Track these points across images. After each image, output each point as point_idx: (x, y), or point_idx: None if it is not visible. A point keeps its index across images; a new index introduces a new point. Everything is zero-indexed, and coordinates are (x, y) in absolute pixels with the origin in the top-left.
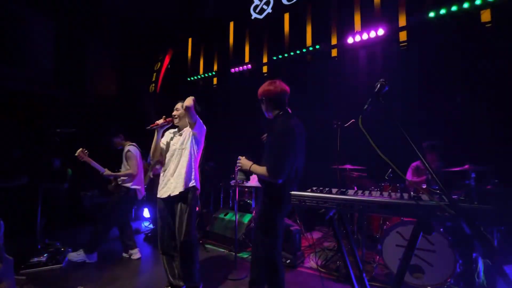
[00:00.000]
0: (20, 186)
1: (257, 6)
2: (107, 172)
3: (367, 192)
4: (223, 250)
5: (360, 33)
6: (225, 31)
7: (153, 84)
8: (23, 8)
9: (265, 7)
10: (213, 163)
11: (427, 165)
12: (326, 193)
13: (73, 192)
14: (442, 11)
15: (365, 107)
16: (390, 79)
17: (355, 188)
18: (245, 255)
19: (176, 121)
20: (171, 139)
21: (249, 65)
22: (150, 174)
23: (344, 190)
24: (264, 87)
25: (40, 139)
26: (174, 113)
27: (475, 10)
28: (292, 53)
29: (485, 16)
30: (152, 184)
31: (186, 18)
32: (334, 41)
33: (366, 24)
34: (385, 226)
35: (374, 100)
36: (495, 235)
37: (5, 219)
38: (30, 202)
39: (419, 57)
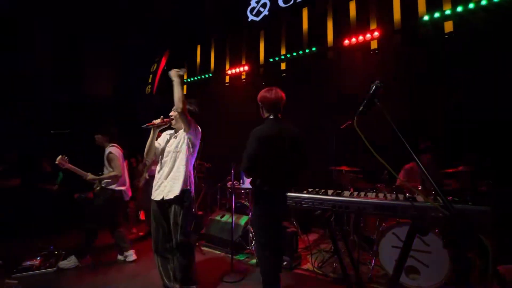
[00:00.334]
0: (12, 188)
1: (253, 8)
2: (90, 176)
3: (362, 193)
4: (219, 252)
5: (356, 35)
6: (222, 33)
7: (149, 86)
8: (22, 8)
9: (261, 9)
10: (210, 164)
11: (421, 166)
12: (322, 194)
13: (68, 194)
14: (436, 15)
15: (360, 109)
16: (385, 80)
17: (351, 189)
18: (241, 257)
19: (173, 122)
20: (167, 141)
21: (246, 67)
22: (146, 175)
23: (340, 191)
24: (262, 93)
25: (35, 140)
26: (171, 113)
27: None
28: (288, 55)
29: (477, 19)
30: (148, 185)
31: (183, 19)
32: (330, 43)
33: (362, 26)
34: (381, 228)
35: (369, 101)
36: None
37: None
38: (22, 204)
39: (413, 58)
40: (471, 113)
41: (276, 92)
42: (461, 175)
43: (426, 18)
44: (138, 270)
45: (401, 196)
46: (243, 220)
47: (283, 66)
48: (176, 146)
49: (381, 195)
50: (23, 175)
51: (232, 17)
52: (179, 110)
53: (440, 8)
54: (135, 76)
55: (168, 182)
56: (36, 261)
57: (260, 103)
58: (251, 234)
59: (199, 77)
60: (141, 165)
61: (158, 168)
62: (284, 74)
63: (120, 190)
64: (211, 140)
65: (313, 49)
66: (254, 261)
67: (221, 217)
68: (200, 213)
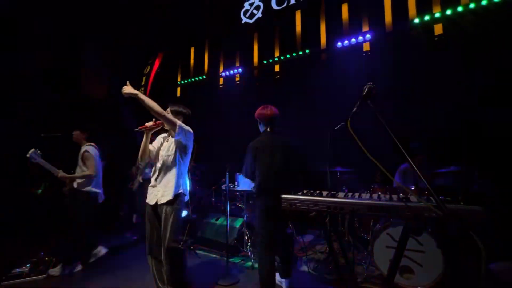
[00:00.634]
0: None
1: (247, 10)
2: (61, 173)
3: (357, 194)
4: (214, 255)
5: (349, 38)
6: (215, 35)
7: (143, 88)
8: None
9: (255, 11)
10: (205, 167)
11: (415, 167)
12: (317, 195)
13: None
14: (426, 17)
15: (353, 110)
16: (378, 82)
17: (345, 190)
18: (237, 260)
19: (165, 124)
20: (161, 144)
21: (240, 69)
22: (140, 178)
23: (334, 192)
24: (259, 110)
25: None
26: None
27: (459, 18)
28: (282, 57)
29: (468, 22)
30: (142, 188)
31: (177, 21)
32: (323, 45)
33: (354, 29)
34: (375, 228)
35: (362, 103)
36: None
37: None
38: (9, 209)
39: (406, 60)
40: (463, 114)
41: (271, 108)
42: (453, 174)
43: (416, 20)
44: (132, 274)
45: (395, 197)
46: (238, 222)
47: (276, 68)
48: (168, 150)
49: (375, 196)
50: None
51: (225, 20)
52: (159, 118)
53: (430, 11)
54: (128, 78)
55: (161, 187)
56: (26, 268)
57: (258, 119)
58: (246, 237)
59: (193, 79)
60: (135, 168)
61: (153, 171)
62: (278, 76)
63: (95, 192)
64: (205, 142)
65: (306, 51)
66: (249, 263)
67: (216, 220)
68: (193, 216)
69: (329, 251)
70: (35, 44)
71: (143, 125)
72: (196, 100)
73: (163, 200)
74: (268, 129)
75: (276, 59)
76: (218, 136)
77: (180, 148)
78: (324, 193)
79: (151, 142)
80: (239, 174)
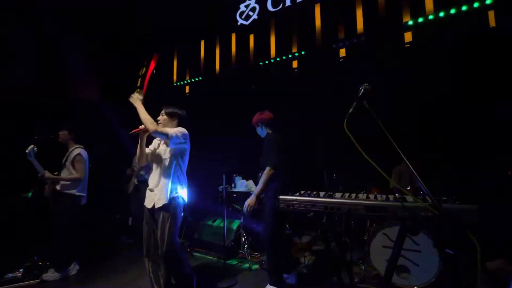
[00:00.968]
0: None
1: (243, 12)
2: (47, 174)
3: (354, 195)
4: (211, 258)
5: (344, 40)
6: (211, 36)
7: (138, 89)
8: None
9: (251, 13)
10: (201, 168)
11: (411, 167)
12: (314, 196)
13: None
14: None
15: (349, 111)
16: (373, 84)
17: (342, 191)
18: (234, 262)
19: (160, 126)
20: (158, 146)
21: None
22: (135, 181)
23: (331, 193)
24: (258, 116)
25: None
26: (159, 118)
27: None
28: (278, 59)
29: (460, 24)
30: (137, 190)
31: (172, 22)
32: (319, 46)
33: (350, 31)
34: (372, 228)
35: (358, 103)
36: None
37: None
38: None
39: (399, 62)
40: (455, 116)
41: (267, 112)
42: (448, 175)
43: (410, 23)
44: (128, 278)
45: (391, 197)
46: (235, 224)
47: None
48: (164, 153)
49: (371, 196)
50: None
51: (221, 21)
52: (151, 131)
53: (423, 14)
54: (123, 79)
55: (158, 191)
56: (19, 273)
57: (259, 124)
58: (243, 238)
59: (188, 81)
60: (129, 170)
61: (151, 175)
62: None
63: (81, 196)
64: (201, 144)
65: (302, 52)
66: (246, 265)
67: (213, 222)
68: (189, 219)
69: (326, 252)
70: (19, 47)
71: (138, 128)
72: (191, 101)
73: (160, 204)
74: (271, 130)
75: (272, 60)
76: (214, 138)
77: (176, 152)
78: (322, 193)
79: (147, 145)
80: (237, 177)
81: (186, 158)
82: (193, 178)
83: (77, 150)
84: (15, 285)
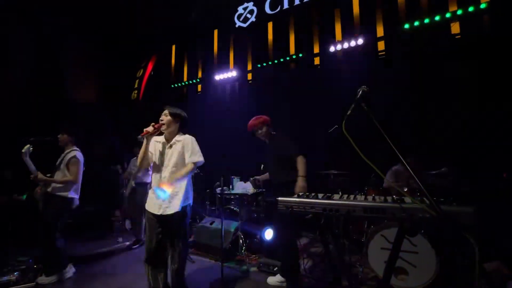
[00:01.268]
0: None
1: (241, 14)
2: (40, 175)
3: (352, 196)
4: (209, 260)
5: (341, 43)
6: (209, 39)
7: (136, 91)
8: (2, 12)
9: (249, 16)
10: (198, 170)
11: (408, 167)
12: (313, 198)
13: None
14: (416, 23)
15: (348, 113)
16: (371, 86)
17: (340, 192)
18: (232, 264)
19: (163, 127)
20: (163, 149)
21: (234, 72)
22: (132, 183)
23: (330, 194)
24: (259, 120)
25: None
26: (162, 118)
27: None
28: (276, 61)
29: (455, 28)
30: (134, 193)
31: (170, 24)
32: (316, 49)
33: (347, 34)
34: (369, 230)
35: (356, 106)
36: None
37: None
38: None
39: (397, 64)
40: (450, 117)
41: (266, 116)
42: (444, 175)
43: (406, 26)
44: (125, 282)
45: (389, 198)
46: (233, 226)
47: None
48: (176, 163)
49: (370, 197)
50: None
51: (219, 24)
52: (192, 170)
53: (420, 17)
54: (120, 81)
55: (171, 197)
56: (14, 276)
57: (264, 125)
58: (241, 241)
59: (186, 83)
60: (126, 173)
61: (153, 179)
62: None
63: (72, 198)
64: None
65: (300, 55)
66: (244, 267)
67: (210, 224)
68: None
69: (324, 254)
70: (17, 47)
71: (144, 131)
72: (189, 103)
73: (169, 211)
74: (274, 132)
75: (270, 62)
76: (212, 139)
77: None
78: (320, 195)
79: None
80: (235, 178)
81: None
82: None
83: (73, 153)
84: None
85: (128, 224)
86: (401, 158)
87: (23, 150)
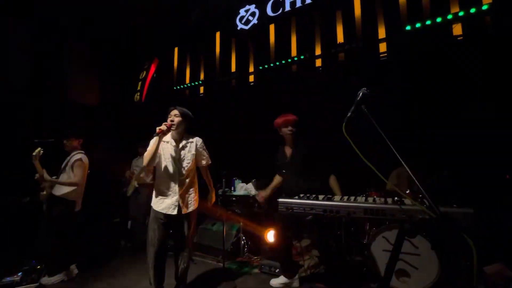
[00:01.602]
0: None
1: (243, 17)
2: (46, 176)
3: (352, 198)
4: (210, 261)
5: (343, 44)
6: (211, 41)
7: (138, 93)
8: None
9: (250, 18)
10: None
11: (409, 170)
12: (313, 199)
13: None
14: (417, 25)
15: (348, 115)
16: (371, 88)
17: (341, 194)
18: (233, 265)
19: (173, 127)
20: (174, 151)
21: (236, 74)
22: (135, 183)
23: (330, 196)
24: (289, 117)
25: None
26: (172, 118)
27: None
28: (277, 63)
29: (457, 29)
30: (137, 193)
31: (172, 27)
32: (318, 51)
33: (349, 35)
34: (371, 232)
35: (356, 107)
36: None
37: None
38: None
39: (397, 66)
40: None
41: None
42: (444, 178)
43: (408, 27)
44: (127, 282)
45: (389, 200)
46: (235, 228)
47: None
48: (189, 163)
49: (370, 199)
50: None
51: (221, 26)
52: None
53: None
54: (123, 83)
55: (186, 197)
56: (17, 277)
57: (294, 125)
58: (243, 242)
59: (188, 85)
60: (129, 173)
61: (163, 180)
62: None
63: (74, 201)
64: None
65: (301, 57)
66: (246, 269)
67: (212, 225)
68: None
69: (325, 255)
70: (16, 47)
71: (158, 129)
72: (192, 105)
73: (189, 210)
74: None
75: (272, 65)
76: (213, 141)
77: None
78: (320, 196)
79: (144, 147)
80: (237, 180)
81: None
82: None
83: (78, 155)
84: None
85: (130, 225)
86: (402, 160)
87: (33, 153)
